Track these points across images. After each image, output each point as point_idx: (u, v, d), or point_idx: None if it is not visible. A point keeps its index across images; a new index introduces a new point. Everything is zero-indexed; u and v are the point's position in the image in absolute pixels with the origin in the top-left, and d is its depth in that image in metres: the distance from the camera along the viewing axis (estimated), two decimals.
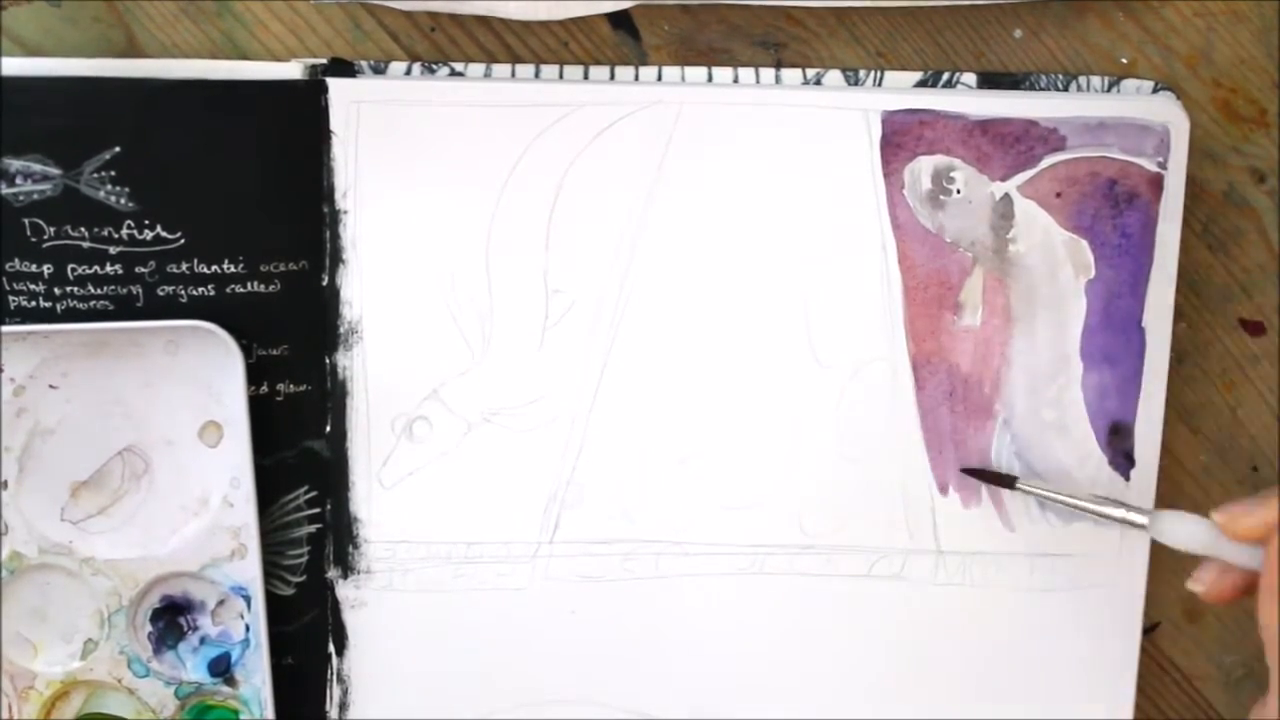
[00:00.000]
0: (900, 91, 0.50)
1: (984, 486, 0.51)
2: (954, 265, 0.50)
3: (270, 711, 0.50)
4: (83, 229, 0.47)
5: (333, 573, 0.51)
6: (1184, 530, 0.46)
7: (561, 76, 0.50)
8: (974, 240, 0.50)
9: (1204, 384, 0.53)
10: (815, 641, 0.52)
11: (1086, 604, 0.52)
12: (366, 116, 0.48)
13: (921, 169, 0.49)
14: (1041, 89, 0.50)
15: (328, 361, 0.50)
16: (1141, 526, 0.47)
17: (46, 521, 0.49)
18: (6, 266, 0.47)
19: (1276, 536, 0.43)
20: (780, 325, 0.50)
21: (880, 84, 0.50)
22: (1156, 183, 0.49)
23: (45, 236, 0.47)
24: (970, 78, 0.50)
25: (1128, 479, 0.51)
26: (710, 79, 0.50)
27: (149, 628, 0.50)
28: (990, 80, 0.50)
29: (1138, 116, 0.49)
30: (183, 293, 0.48)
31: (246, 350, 0.48)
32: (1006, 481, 0.50)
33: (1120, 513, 0.48)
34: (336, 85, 0.48)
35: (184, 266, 0.48)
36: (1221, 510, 0.45)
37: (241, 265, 0.48)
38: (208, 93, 0.47)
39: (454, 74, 0.50)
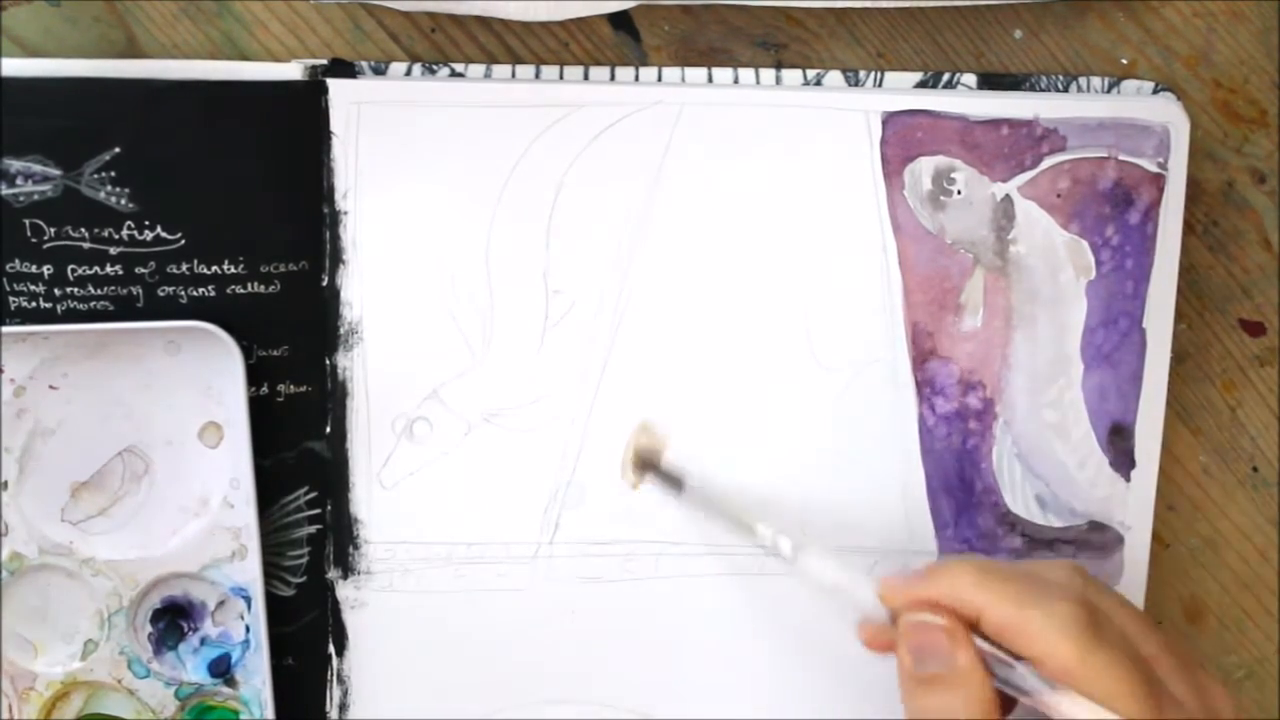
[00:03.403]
0: (900, 92, 0.50)
1: (984, 487, 0.51)
2: (955, 266, 0.50)
3: (270, 712, 0.50)
4: (83, 230, 0.47)
5: (333, 573, 0.51)
6: (822, 568, 0.45)
7: (562, 77, 0.50)
8: (975, 241, 0.50)
9: (1204, 384, 0.53)
10: (816, 642, 0.52)
11: None
12: (367, 117, 0.48)
13: (922, 170, 0.49)
14: (1041, 89, 0.50)
15: (328, 362, 0.49)
16: (785, 558, 0.46)
17: (46, 522, 0.49)
18: (7, 267, 0.47)
19: (906, 618, 0.42)
20: (780, 326, 0.50)
21: (880, 84, 0.50)
22: (1157, 183, 0.49)
23: (45, 237, 0.47)
24: (970, 78, 0.50)
25: (1128, 480, 0.51)
26: (710, 79, 0.50)
27: (149, 628, 0.50)
28: (990, 81, 0.50)
29: (1138, 117, 0.49)
30: (183, 293, 0.48)
31: (247, 351, 0.48)
32: (676, 484, 0.49)
33: (770, 538, 0.47)
34: (337, 86, 0.48)
35: (184, 267, 0.48)
36: (885, 581, 0.44)
37: (241, 266, 0.48)
38: (208, 93, 0.47)
39: (454, 74, 0.49)
